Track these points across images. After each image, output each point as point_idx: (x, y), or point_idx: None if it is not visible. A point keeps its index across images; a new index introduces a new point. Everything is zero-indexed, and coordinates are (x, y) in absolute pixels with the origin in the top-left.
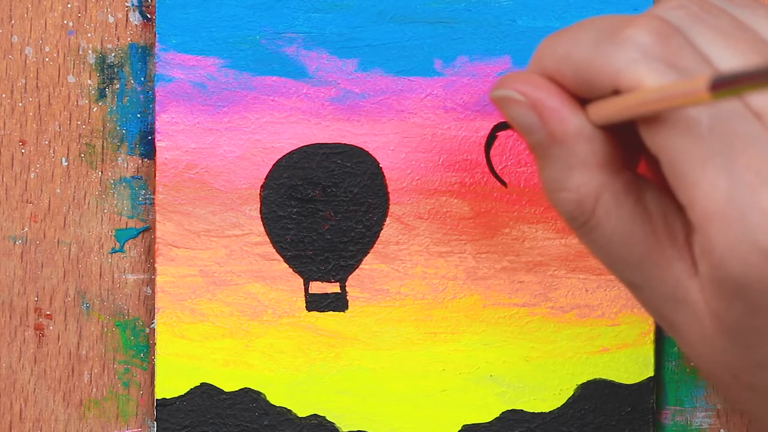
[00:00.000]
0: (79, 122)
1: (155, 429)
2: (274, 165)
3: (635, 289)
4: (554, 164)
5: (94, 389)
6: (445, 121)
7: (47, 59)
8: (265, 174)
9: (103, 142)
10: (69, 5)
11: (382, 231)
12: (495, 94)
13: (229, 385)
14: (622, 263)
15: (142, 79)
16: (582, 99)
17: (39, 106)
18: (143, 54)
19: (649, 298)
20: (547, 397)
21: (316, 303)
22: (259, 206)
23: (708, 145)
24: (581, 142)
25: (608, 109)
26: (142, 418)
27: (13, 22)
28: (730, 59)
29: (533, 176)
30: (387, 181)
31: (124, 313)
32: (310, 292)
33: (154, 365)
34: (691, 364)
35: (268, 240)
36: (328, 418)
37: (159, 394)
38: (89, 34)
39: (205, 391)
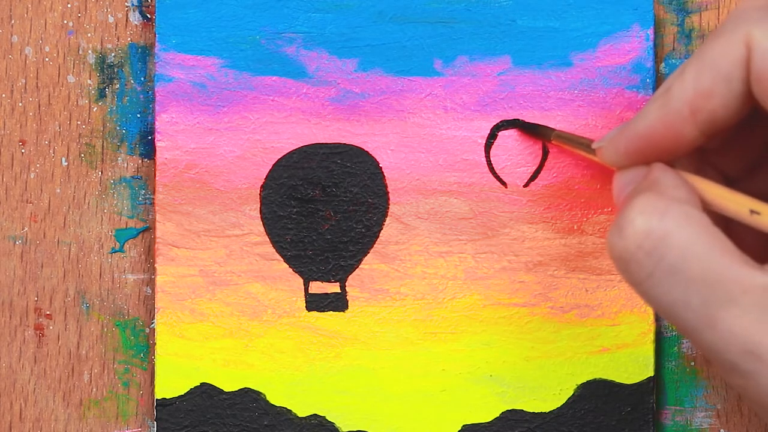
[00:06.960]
0: (79, 122)
1: (155, 429)
2: (274, 165)
3: (713, 324)
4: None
5: (94, 389)
6: (445, 121)
7: (47, 59)
8: (265, 174)
9: (103, 142)
10: (69, 5)
11: (382, 231)
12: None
13: (229, 385)
14: (699, 284)
15: (142, 79)
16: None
17: (39, 106)
18: (143, 54)
19: (734, 322)
20: (547, 397)
21: (316, 303)
22: (259, 206)
23: None
24: (669, 175)
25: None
26: (142, 418)
27: (13, 22)
28: None
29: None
30: (387, 181)
31: (124, 313)
32: (310, 292)
33: (154, 365)
34: (692, 364)
35: (268, 240)
36: (328, 418)
37: (159, 394)
38: (89, 34)
39: (205, 391)
